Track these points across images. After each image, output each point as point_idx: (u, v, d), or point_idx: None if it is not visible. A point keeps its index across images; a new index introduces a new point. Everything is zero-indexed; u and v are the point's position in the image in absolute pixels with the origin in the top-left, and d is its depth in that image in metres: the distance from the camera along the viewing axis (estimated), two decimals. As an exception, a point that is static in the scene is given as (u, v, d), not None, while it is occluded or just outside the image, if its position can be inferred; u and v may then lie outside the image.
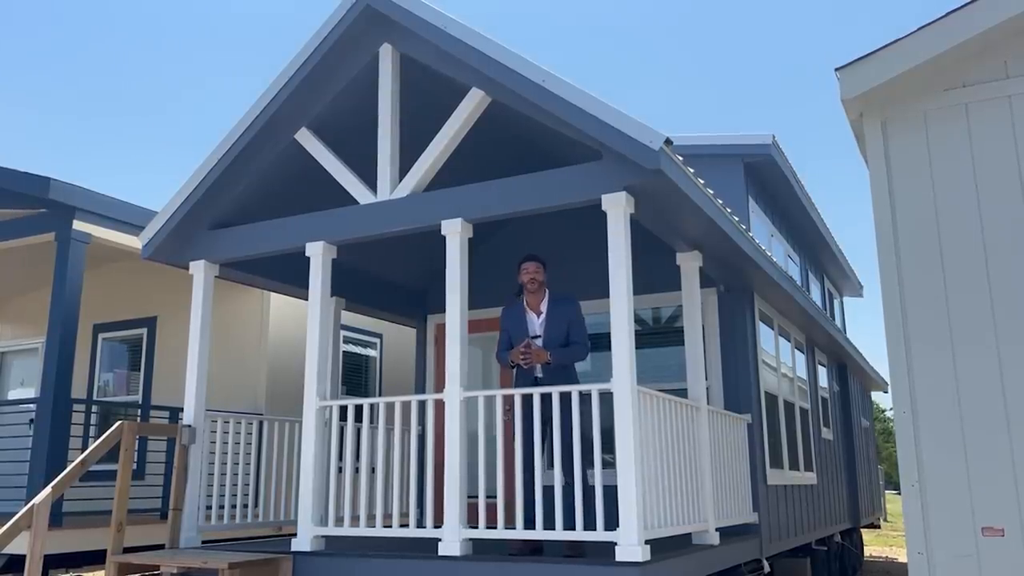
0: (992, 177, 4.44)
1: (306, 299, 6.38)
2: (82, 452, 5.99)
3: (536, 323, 5.76)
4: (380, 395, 10.79)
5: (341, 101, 6.33)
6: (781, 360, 8.84)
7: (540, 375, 5.67)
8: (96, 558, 6.82)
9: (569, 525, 5.11)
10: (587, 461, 5.37)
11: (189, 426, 6.40)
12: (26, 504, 5.73)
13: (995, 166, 4.44)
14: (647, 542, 4.81)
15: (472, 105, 5.75)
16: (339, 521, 5.94)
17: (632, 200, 5.23)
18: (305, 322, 6.29)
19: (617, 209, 5.16)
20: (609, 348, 5.07)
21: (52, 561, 6.78)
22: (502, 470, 5.35)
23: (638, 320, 7.85)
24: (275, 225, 6.45)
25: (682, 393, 6.28)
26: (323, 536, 5.86)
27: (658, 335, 7.91)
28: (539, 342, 5.70)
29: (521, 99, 5.40)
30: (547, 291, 5.85)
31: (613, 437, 4.92)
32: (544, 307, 5.78)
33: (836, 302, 16.31)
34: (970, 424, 4.28)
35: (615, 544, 4.78)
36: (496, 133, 6.76)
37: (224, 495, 6.68)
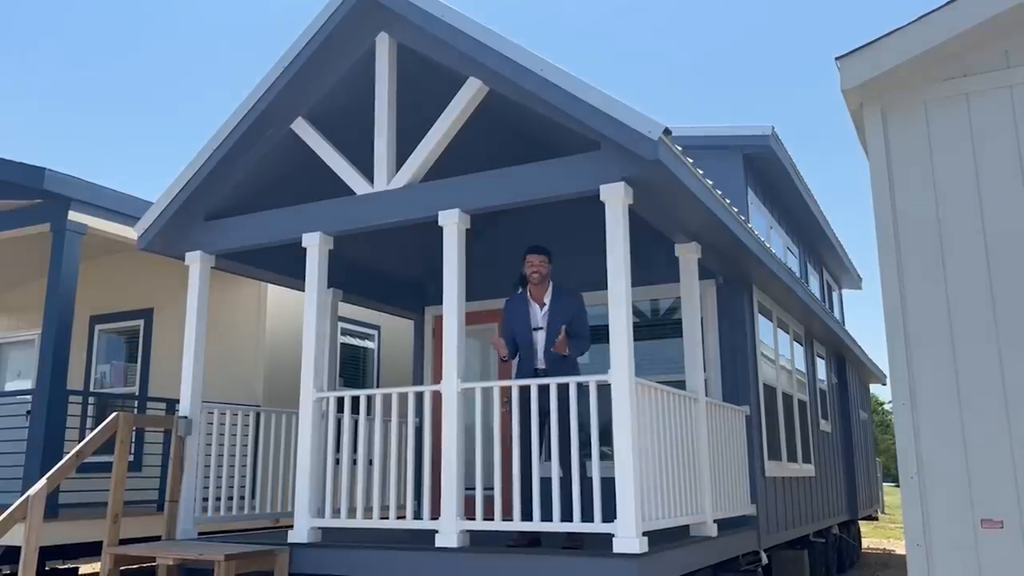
0: (992, 167, 4.41)
1: (303, 290, 6.35)
2: (78, 444, 5.97)
3: (539, 314, 5.73)
4: (378, 387, 10.77)
5: (338, 91, 6.29)
6: (780, 352, 8.82)
7: (542, 366, 5.65)
8: (92, 550, 6.80)
9: (567, 517, 5.10)
10: (585, 453, 5.35)
11: (185, 418, 6.38)
12: (22, 496, 5.71)
13: (996, 156, 4.41)
14: (645, 534, 4.80)
15: (469, 95, 5.72)
16: (336, 513, 5.93)
17: (631, 191, 5.20)
18: (302, 314, 6.26)
19: (615, 200, 5.13)
20: (607, 340, 5.05)
21: (48, 553, 6.77)
22: (499, 462, 5.34)
23: (636, 312, 7.83)
24: (271, 216, 6.41)
25: (680, 385, 6.26)
26: (320, 528, 5.84)
27: (656, 327, 7.89)
28: (541, 334, 5.67)
29: (519, 88, 5.36)
30: (551, 284, 5.83)
31: (611, 429, 4.91)
32: (548, 299, 5.75)
33: (835, 294, 16.29)
34: (969, 416, 4.26)
35: (613, 536, 4.77)
36: (494, 123, 6.73)
37: (221, 487, 6.66)
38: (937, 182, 4.51)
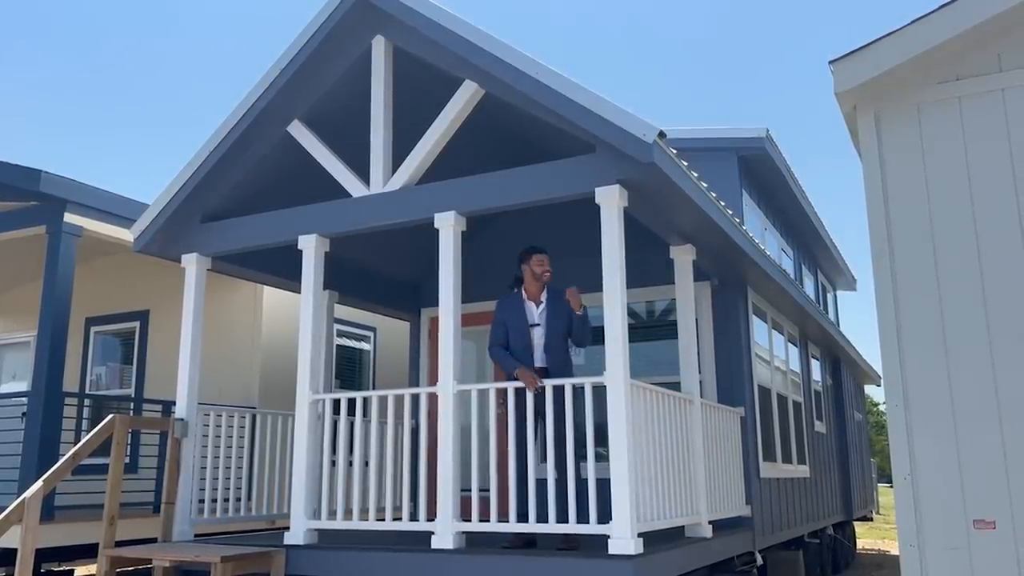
0: (985, 170, 4.44)
1: (299, 292, 6.36)
2: (74, 446, 5.97)
3: (535, 312, 5.76)
4: (374, 389, 10.77)
5: (334, 93, 6.30)
6: (774, 353, 8.85)
7: (542, 364, 5.65)
8: (88, 552, 6.79)
9: (562, 518, 5.11)
10: (580, 454, 5.37)
11: (181, 419, 6.38)
12: (18, 498, 5.71)
13: (988, 159, 4.44)
14: (640, 535, 4.82)
15: (465, 97, 5.73)
16: (332, 515, 5.94)
17: (625, 193, 5.22)
18: (298, 315, 6.27)
19: (610, 202, 5.15)
20: (603, 342, 5.06)
21: (44, 555, 6.76)
22: (495, 463, 5.35)
23: (631, 314, 7.84)
24: (267, 218, 6.42)
25: (675, 386, 6.28)
26: (316, 529, 5.85)
27: (651, 328, 7.91)
28: (539, 330, 5.69)
29: (514, 91, 5.38)
30: (546, 284, 5.86)
31: (607, 430, 4.92)
32: (544, 297, 5.78)
33: (830, 296, 16.33)
34: (962, 417, 4.28)
35: (608, 537, 4.78)
36: (490, 126, 6.75)
37: (217, 489, 6.66)
38: (930, 185, 4.54)
